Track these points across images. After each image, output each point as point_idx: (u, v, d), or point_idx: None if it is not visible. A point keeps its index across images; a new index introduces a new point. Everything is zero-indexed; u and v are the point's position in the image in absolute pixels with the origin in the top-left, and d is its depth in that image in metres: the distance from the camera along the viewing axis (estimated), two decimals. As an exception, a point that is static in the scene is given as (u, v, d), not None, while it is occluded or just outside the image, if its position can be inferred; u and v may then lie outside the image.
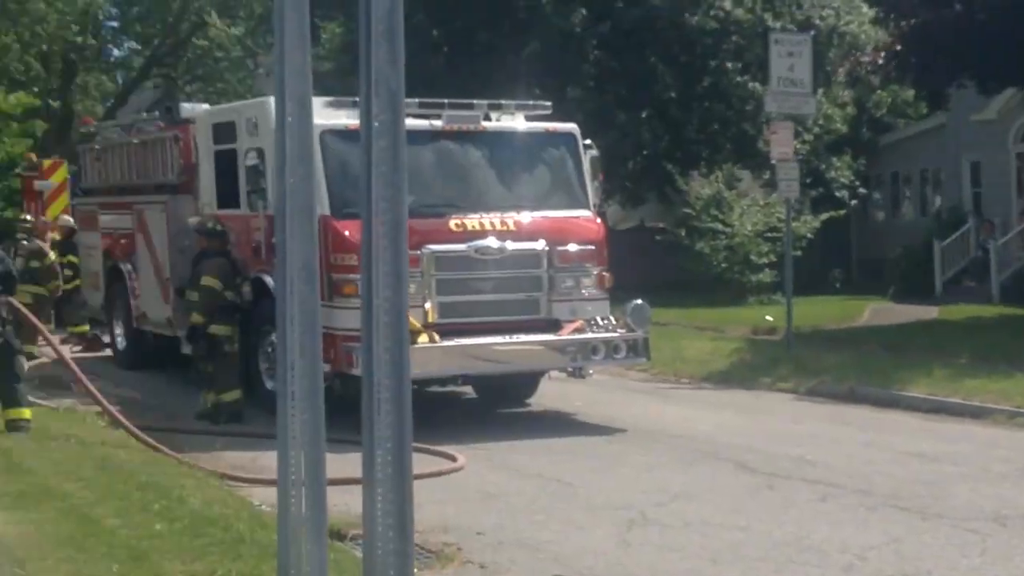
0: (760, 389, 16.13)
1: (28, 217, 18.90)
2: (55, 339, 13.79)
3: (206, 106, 16.59)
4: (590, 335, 13.05)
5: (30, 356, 16.12)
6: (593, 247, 13.54)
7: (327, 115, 12.73)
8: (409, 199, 13.25)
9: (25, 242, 17.56)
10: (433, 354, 12.23)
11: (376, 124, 4.32)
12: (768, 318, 21.15)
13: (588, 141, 14.22)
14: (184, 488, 8.87)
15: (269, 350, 13.15)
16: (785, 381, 16.27)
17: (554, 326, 13.12)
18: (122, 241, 16.99)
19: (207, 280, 13.03)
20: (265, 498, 8.90)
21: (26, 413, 11.24)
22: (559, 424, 13.41)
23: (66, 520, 7.79)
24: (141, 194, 16.67)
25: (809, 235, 26.52)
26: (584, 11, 28.01)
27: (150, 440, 11.06)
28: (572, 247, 13.33)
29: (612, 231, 15.77)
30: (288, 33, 4.64)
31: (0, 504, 8.20)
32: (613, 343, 13.06)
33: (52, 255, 17.92)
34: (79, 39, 36.50)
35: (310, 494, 4.72)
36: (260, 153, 13.26)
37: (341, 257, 12.31)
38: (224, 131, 14.43)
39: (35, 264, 17.37)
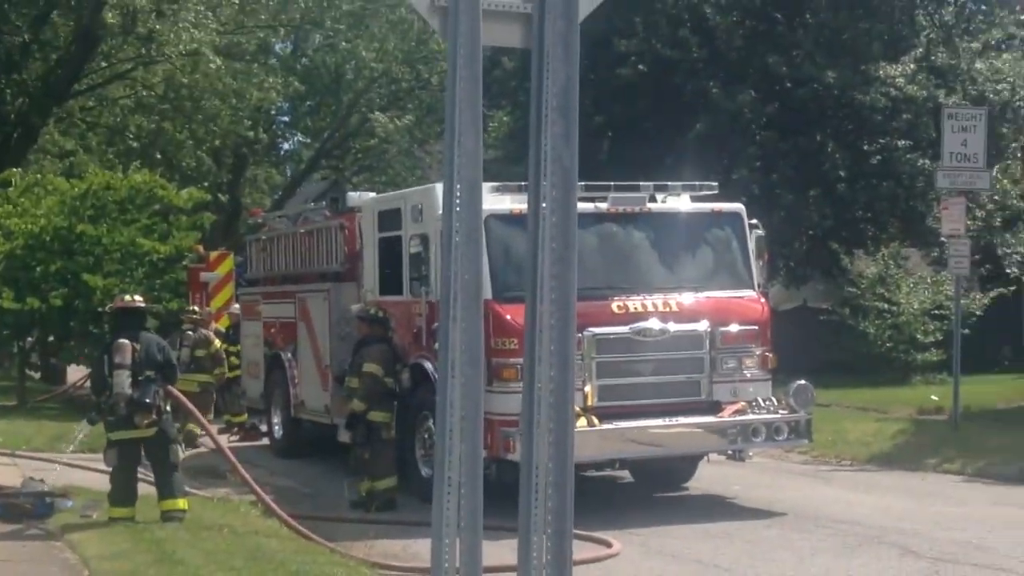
0: (925, 471, 15.58)
1: (195, 308, 19.32)
2: (213, 428, 13.94)
3: (372, 194, 16.82)
4: (751, 417, 12.75)
5: (190, 442, 16.35)
6: (756, 327, 13.25)
7: (492, 200, 12.77)
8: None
9: (191, 332, 17.97)
10: (591, 438, 12.03)
11: (547, 202, 4.22)
12: (934, 398, 20.47)
13: (754, 221, 13.99)
14: (336, 577, 8.75)
15: (426, 436, 13.08)
16: (951, 463, 15.70)
17: (714, 408, 12.84)
18: (283, 330, 17.21)
19: (369, 367, 13.03)
20: (418, 587, 8.73)
21: (181, 503, 11.29)
22: (717, 508, 13.08)
23: (219, 610, 7.72)
24: (304, 283, 16.91)
25: (978, 312, 25.57)
26: (752, 92, 27.81)
27: (302, 529, 11.04)
28: (735, 327, 13.06)
29: (774, 311, 15.41)
30: (460, 118, 4.59)
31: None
32: (775, 425, 12.74)
33: (217, 343, 18.30)
34: (251, 134, 37.63)
35: None
36: (423, 239, 13.31)
37: (502, 341, 12.22)
38: (389, 218, 14.56)
39: (201, 353, 17.81)
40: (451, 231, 4.66)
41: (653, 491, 14.01)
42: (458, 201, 4.63)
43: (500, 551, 8.41)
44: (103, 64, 34.38)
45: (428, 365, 12.87)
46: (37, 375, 29.31)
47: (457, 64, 4.56)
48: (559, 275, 4.09)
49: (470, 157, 4.57)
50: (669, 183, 13.99)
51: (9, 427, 18.62)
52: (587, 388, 12.33)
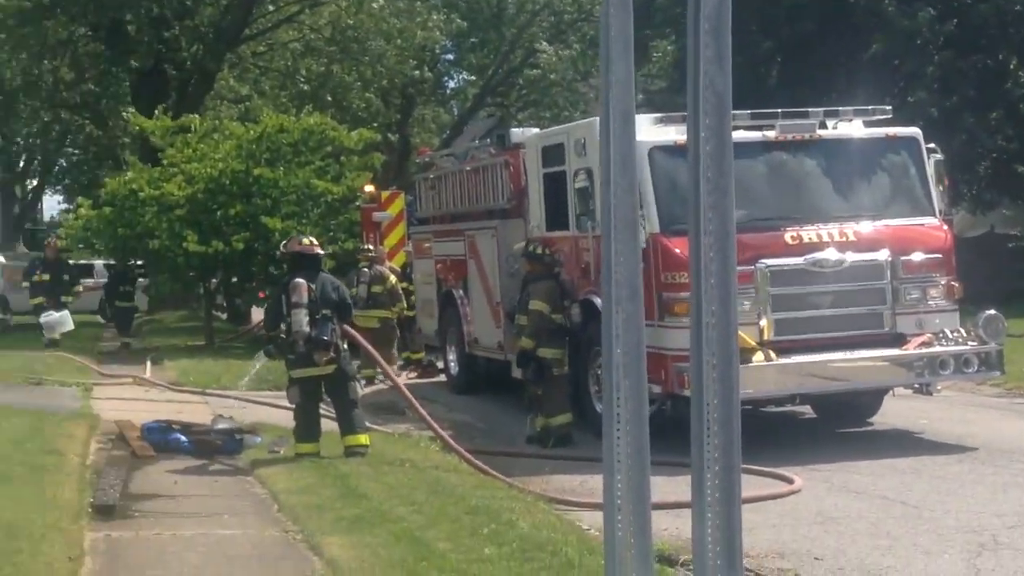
0: None
1: (369, 246, 19.65)
2: (392, 368, 14.13)
3: (536, 130, 16.75)
4: (938, 349, 12.32)
5: (370, 380, 16.78)
6: (940, 256, 12.78)
7: (656, 132, 12.60)
8: (741, 213, 12.80)
9: (367, 270, 18.41)
10: (769, 373, 11.85)
11: (701, 130, 4.08)
12: None
13: (932, 145, 13.47)
14: (513, 512, 8.81)
15: (599, 372, 13.04)
16: None
17: (898, 340, 12.44)
18: (454, 267, 17.35)
19: (536, 304, 13.03)
20: (594, 522, 8.74)
21: (363, 439, 11.47)
22: (904, 443, 12.69)
23: (399, 544, 7.84)
24: (472, 220, 16.99)
25: None
26: (931, 10, 26.70)
27: (480, 464, 11.15)
28: (917, 256, 12.62)
29: (960, 239, 14.83)
30: (612, 46, 4.48)
31: (337, 528, 8.37)
32: (963, 357, 12.29)
33: (393, 279, 18.65)
34: (416, 73, 37.93)
35: (634, 519, 4.50)
36: (589, 173, 13.19)
37: (671, 275, 12.06)
38: (553, 153, 14.48)
39: (377, 289, 18.26)
40: (608, 163, 4.58)
41: (836, 427, 13.70)
42: (613, 130, 4.54)
43: (679, 487, 8.34)
44: (271, 8, 35.06)
45: (597, 300, 12.79)
46: (224, 316, 30.29)
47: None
48: (716, 205, 3.98)
49: (622, 86, 4.46)
50: (840, 108, 13.59)
51: (199, 366, 19.33)
52: (763, 322, 12.09)
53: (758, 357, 11.75)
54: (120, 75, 36.01)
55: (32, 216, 68.84)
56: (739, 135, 12.90)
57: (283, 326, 11.47)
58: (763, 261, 12.10)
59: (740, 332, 11.60)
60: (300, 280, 11.30)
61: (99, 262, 31.72)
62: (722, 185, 3.96)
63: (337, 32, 34.69)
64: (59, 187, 66.52)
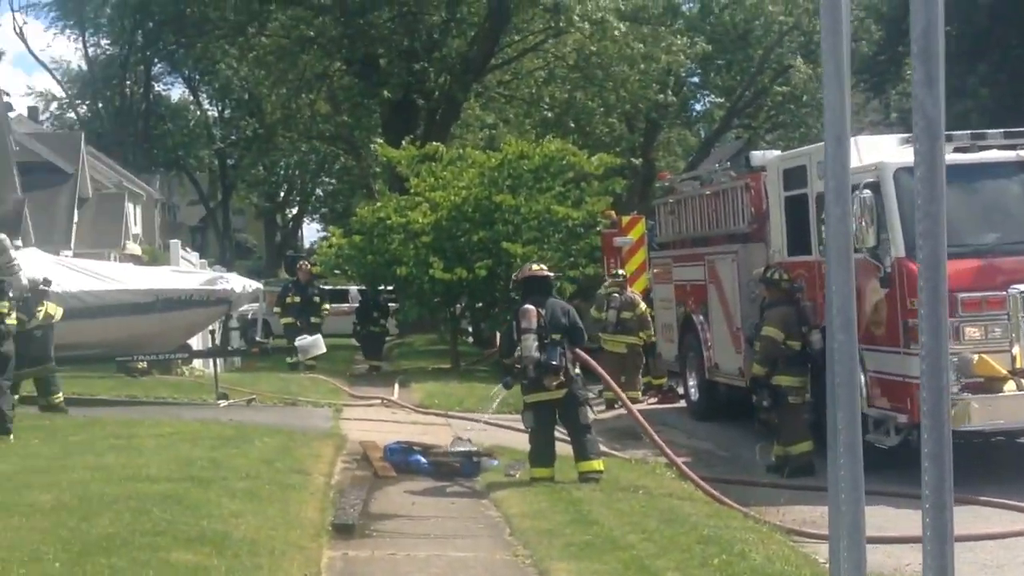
0: None
1: (620, 271, 19.69)
2: (635, 394, 14.02)
3: (777, 152, 16.48)
4: None
5: (611, 405, 16.80)
6: None
7: (902, 153, 12.23)
8: (993, 236, 12.15)
9: (617, 295, 18.52)
10: (1023, 402, 11.23)
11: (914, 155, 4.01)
12: None
13: None
14: (746, 543, 8.62)
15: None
16: None
17: None
18: (694, 292, 17.19)
19: (768, 330, 12.79)
20: (831, 556, 8.46)
21: (596, 465, 11.42)
22: None
23: (626, 572, 7.77)
24: (712, 245, 16.82)
25: None
26: None
27: (715, 492, 10.98)
28: None
29: None
30: (824, 67, 4.45)
31: (566, 554, 8.34)
32: None
33: (643, 306, 18.69)
34: (660, 98, 37.92)
35: (849, 552, 4.44)
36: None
37: (916, 301, 11.57)
38: (794, 176, 14.21)
39: (627, 315, 18.43)
40: (828, 188, 4.57)
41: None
42: (827, 158, 4.52)
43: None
44: (516, 38, 35.67)
45: (841, 326, 12.38)
46: (470, 340, 30.87)
47: (822, 12, 4.42)
48: (926, 232, 3.85)
49: (835, 110, 4.41)
50: (1103, 123, 12.90)
51: (444, 389, 19.72)
52: (1015, 349, 11.51)
53: (1010, 386, 11.24)
54: (372, 107, 37.29)
55: (293, 243, 72.04)
56: (991, 155, 12.39)
57: (517, 352, 11.56)
58: (1016, 286, 11.54)
59: (990, 360, 11.19)
60: (529, 306, 11.36)
61: (354, 287, 32.83)
62: (932, 212, 3.85)
63: (581, 59, 35.00)
64: (316, 215, 69.37)
